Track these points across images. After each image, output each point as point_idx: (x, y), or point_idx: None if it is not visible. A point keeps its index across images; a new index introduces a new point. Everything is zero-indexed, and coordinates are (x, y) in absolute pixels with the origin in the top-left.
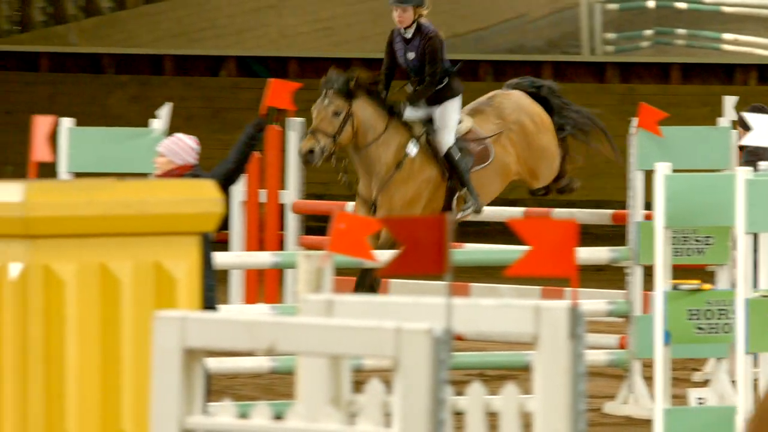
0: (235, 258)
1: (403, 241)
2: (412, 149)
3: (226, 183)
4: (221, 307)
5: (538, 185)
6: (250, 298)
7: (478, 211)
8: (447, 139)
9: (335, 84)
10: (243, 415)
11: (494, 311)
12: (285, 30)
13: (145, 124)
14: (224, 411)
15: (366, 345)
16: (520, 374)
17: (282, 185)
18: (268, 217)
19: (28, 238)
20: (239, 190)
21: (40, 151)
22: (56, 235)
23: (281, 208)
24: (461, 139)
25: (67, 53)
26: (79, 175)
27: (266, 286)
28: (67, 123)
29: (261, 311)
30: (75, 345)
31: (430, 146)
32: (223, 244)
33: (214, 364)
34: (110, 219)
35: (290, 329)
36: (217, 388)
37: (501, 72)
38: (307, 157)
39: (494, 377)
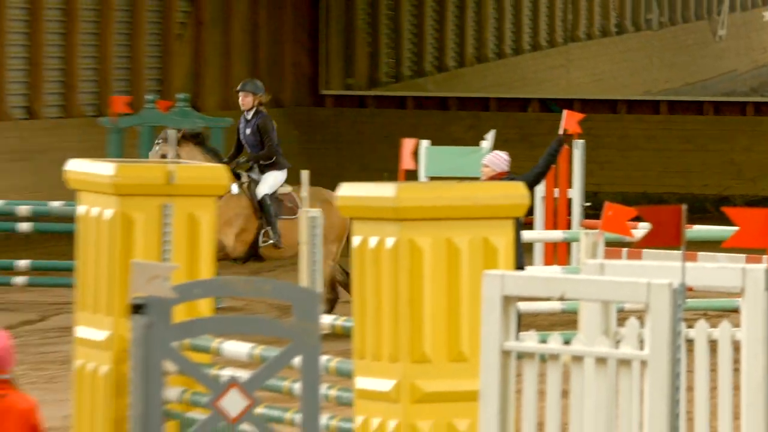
0: (537, 235)
1: (652, 223)
2: (234, 188)
3: (533, 183)
4: (528, 267)
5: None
6: (548, 261)
7: (277, 245)
8: (263, 190)
9: (165, 135)
10: (542, 341)
11: (714, 271)
12: (571, 81)
13: (476, 145)
14: (529, 338)
15: (627, 294)
16: (731, 314)
17: (569, 185)
18: (560, 207)
19: (399, 221)
20: (540, 189)
21: (406, 162)
22: (418, 219)
23: (569, 201)
24: (277, 195)
25: (424, 96)
26: (432, 178)
27: (558, 254)
28: (425, 144)
29: (555, 271)
30: (430, 294)
31: (250, 192)
32: (529, 225)
33: (523, 306)
34: (454, 208)
35: (575, 283)
36: (524, 322)
37: (719, 110)
38: None
39: (714, 316)
